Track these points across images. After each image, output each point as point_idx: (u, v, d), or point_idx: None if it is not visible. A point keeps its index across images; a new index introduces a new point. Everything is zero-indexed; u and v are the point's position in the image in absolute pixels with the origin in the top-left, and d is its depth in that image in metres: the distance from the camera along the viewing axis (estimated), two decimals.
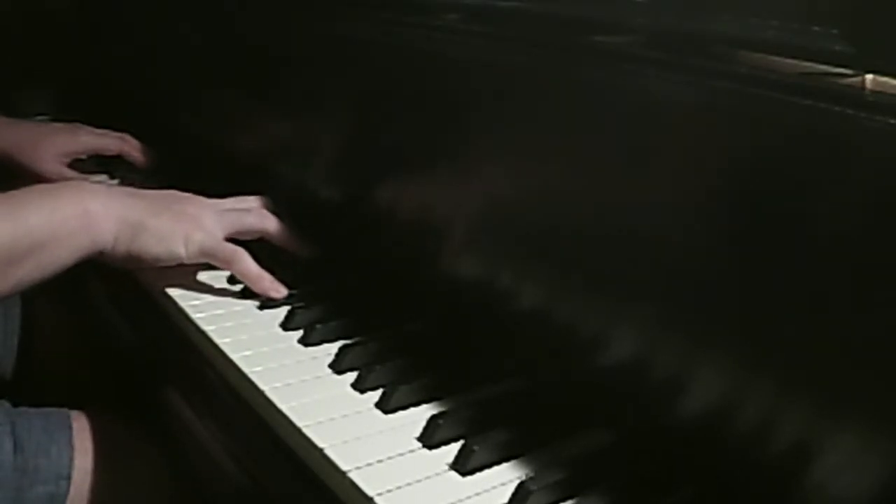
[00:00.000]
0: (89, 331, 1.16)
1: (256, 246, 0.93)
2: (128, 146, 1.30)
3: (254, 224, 0.95)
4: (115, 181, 1.27)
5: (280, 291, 0.89)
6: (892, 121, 0.51)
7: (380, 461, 0.64)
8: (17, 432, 0.84)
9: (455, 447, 0.65)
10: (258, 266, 0.90)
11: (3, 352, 1.13)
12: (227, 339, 0.81)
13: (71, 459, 0.85)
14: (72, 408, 0.90)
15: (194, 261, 0.90)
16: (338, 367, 0.77)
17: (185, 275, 0.93)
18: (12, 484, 0.82)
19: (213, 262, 0.91)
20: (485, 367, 0.77)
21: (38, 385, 1.12)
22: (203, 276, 0.94)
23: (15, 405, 0.90)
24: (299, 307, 0.85)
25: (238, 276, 0.90)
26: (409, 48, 0.87)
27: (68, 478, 0.84)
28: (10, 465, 0.82)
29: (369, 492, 0.61)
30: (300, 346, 0.81)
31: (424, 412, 0.70)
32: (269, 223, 0.96)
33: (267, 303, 0.88)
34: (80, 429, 0.87)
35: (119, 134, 1.32)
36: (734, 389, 0.59)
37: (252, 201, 0.99)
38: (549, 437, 0.68)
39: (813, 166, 0.55)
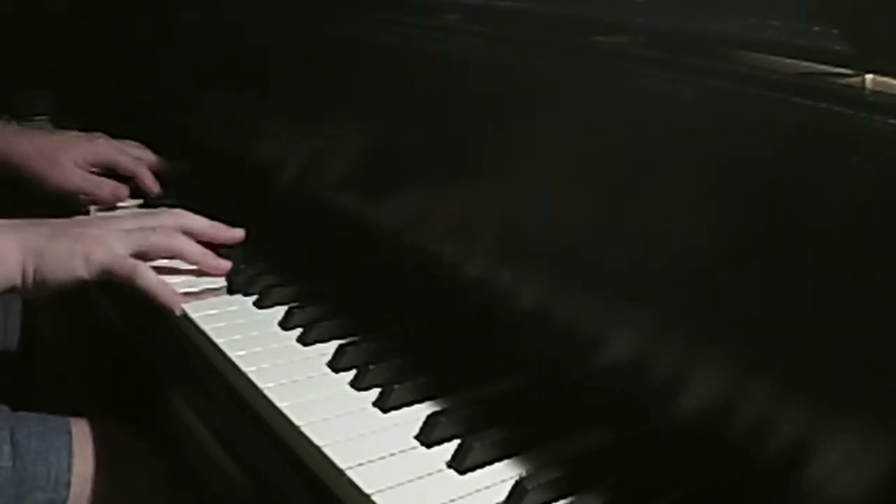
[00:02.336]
0: (89, 335, 1.16)
1: None
2: (142, 170, 1.24)
3: (158, 242, 0.92)
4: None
5: (178, 306, 0.87)
6: (892, 121, 0.51)
7: (378, 459, 0.64)
8: (16, 438, 0.83)
9: (453, 445, 0.65)
10: (159, 278, 0.88)
11: (3, 357, 1.12)
12: (226, 339, 0.81)
13: (70, 466, 0.84)
14: (71, 413, 0.89)
15: (97, 279, 0.88)
16: (336, 365, 0.77)
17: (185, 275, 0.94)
18: (11, 490, 0.81)
19: (115, 279, 0.88)
20: (483, 365, 0.77)
21: (37, 390, 1.12)
22: (203, 276, 0.94)
23: (14, 410, 0.90)
24: (298, 306, 0.85)
25: (140, 291, 0.88)
26: (409, 48, 0.87)
27: (68, 484, 0.83)
28: (8, 472, 0.81)
29: (367, 490, 0.61)
30: (299, 345, 0.81)
31: (422, 410, 0.70)
32: (175, 242, 0.93)
33: (266, 301, 0.88)
34: (80, 435, 0.86)
35: (139, 153, 1.27)
36: (732, 389, 0.59)
37: (164, 217, 0.96)
38: (546, 435, 0.68)
39: (813, 166, 0.55)
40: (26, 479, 0.82)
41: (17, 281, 0.87)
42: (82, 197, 1.18)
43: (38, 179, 1.21)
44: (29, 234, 0.88)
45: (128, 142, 1.29)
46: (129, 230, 0.92)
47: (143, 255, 0.91)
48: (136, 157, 1.25)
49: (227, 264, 0.94)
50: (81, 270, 0.87)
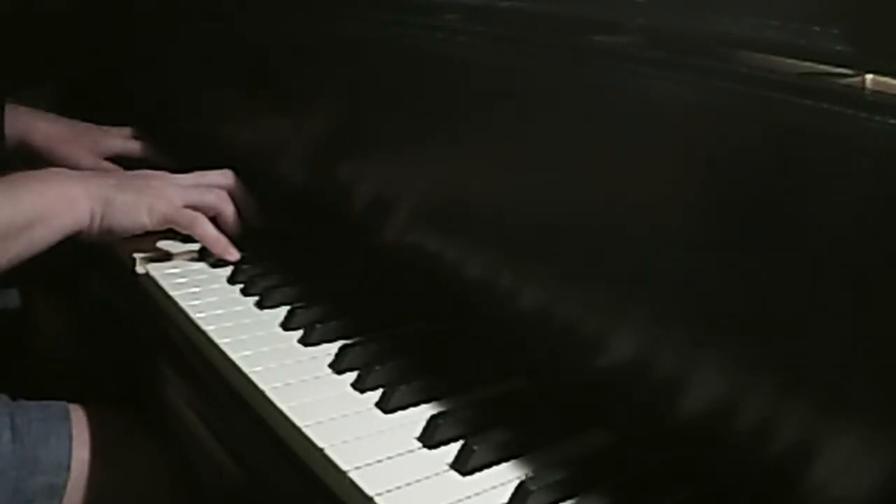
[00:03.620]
0: (88, 327, 1.16)
1: None
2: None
3: (212, 202, 1.02)
4: None
5: (234, 255, 0.97)
6: (892, 121, 0.51)
7: (380, 461, 0.64)
8: (16, 423, 0.84)
9: (455, 447, 0.65)
10: (216, 230, 0.98)
11: (2, 345, 1.13)
12: (228, 339, 0.81)
13: (70, 450, 0.85)
14: (70, 400, 0.91)
15: (158, 227, 0.98)
16: (338, 366, 0.77)
17: (185, 274, 0.94)
18: (11, 474, 0.82)
19: (175, 227, 0.99)
20: (485, 367, 0.77)
21: (37, 379, 1.13)
22: (203, 277, 0.94)
23: (14, 399, 0.90)
24: (299, 307, 0.85)
25: (197, 238, 0.98)
26: (409, 48, 0.87)
27: (67, 468, 0.85)
28: (9, 455, 0.82)
29: (369, 491, 0.61)
30: (300, 346, 0.81)
31: (424, 412, 0.70)
32: (225, 205, 1.02)
33: (267, 302, 0.88)
34: (79, 420, 0.88)
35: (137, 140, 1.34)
36: (734, 390, 0.59)
37: (216, 177, 1.06)
38: (548, 437, 0.68)
39: (813, 166, 0.55)
40: (26, 463, 0.83)
41: (86, 225, 0.96)
42: None
43: (56, 160, 1.25)
44: (98, 184, 0.98)
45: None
46: (187, 186, 1.02)
47: (196, 209, 1.00)
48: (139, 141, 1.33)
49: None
50: (145, 218, 0.98)
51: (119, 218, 0.97)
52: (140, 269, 0.96)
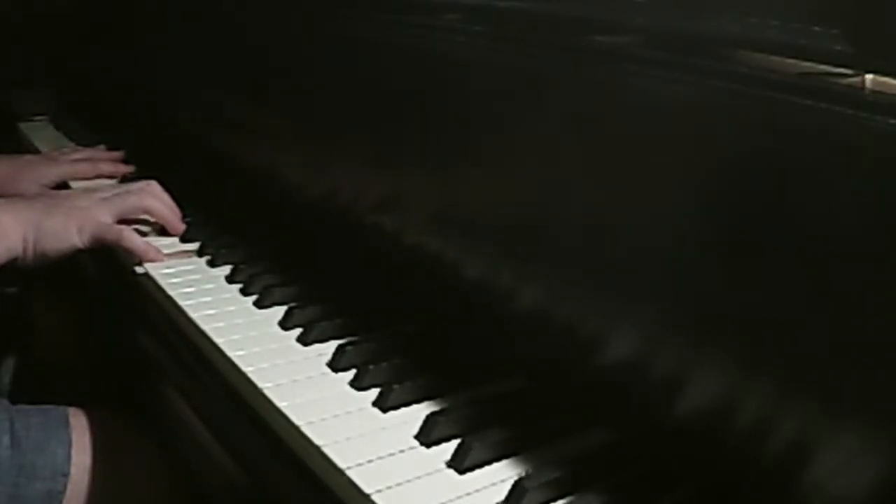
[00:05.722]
0: (88, 330, 1.16)
1: None
2: (99, 167, 1.32)
3: (135, 203, 1.05)
4: None
5: (160, 257, 0.99)
6: (892, 121, 0.51)
7: (378, 459, 0.64)
8: (16, 429, 0.84)
9: (452, 445, 0.65)
10: (142, 239, 1.01)
11: (2, 350, 1.13)
12: (226, 338, 0.81)
13: (69, 456, 0.85)
14: (70, 405, 0.90)
15: (89, 246, 1.01)
16: (336, 365, 0.77)
17: (185, 274, 0.94)
18: (10, 479, 0.82)
19: (106, 244, 1.01)
20: (482, 365, 0.77)
21: (37, 384, 1.13)
22: (202, 276, 0.94)
23: (13, 403, 0.90)
24: (297, 306, 0.85)
25: (127, 252, 1.00)
26: (409, 48, 0.87)
27: (66, 474, 0.84)
28: (7, 461, 0.82)
29: (367, 489, 0.61)
30: (298, 345, 0.81)
31: (422, 410, 0.70)
32: (147, 201, 1.06)
33: (265, 301, 0.88)
34: (79, 426, 0.88)
35: (88, 155, 1.36)
36: (731, 389, 0.59)
37: (136, 185, 1.09)
38: (545, 435, 0.68)
39: (813, 166, 0.55)
40: (25, 469, 0.83)
41: (19, 252, 0.98)
42: None
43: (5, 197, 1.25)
44: (27, 211, 1.00)
45: (82, 150, 1.38)
46: (108, 198, 1.05)
47: (124, 218, 1.04)
48: (90, 161, 1.34)
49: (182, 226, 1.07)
50: (75, 239, 1.00)
51: (51, 241, 0.99)
52: (139, 269, 0.96)
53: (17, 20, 1.65)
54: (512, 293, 0.77)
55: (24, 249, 0.98)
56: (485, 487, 0.62)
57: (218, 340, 0.80)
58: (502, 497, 0.61)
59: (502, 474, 0.64)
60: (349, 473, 0.62)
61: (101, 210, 1.03)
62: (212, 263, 0.98)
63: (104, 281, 1.05)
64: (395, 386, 0.71)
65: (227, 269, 0.96)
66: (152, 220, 1.07)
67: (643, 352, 0.65)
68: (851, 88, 0.56)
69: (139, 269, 0.97)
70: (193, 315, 0.85)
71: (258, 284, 0.91)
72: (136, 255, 0.99)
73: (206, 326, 0.83)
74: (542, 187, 0.74)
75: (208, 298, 0.89)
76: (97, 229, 1.01)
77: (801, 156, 0.56)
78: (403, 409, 0.71)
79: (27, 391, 1.10)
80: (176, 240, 1.05)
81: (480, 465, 0.64)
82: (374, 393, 0.72)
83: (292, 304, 0.86)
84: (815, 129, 0.55)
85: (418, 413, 0.69)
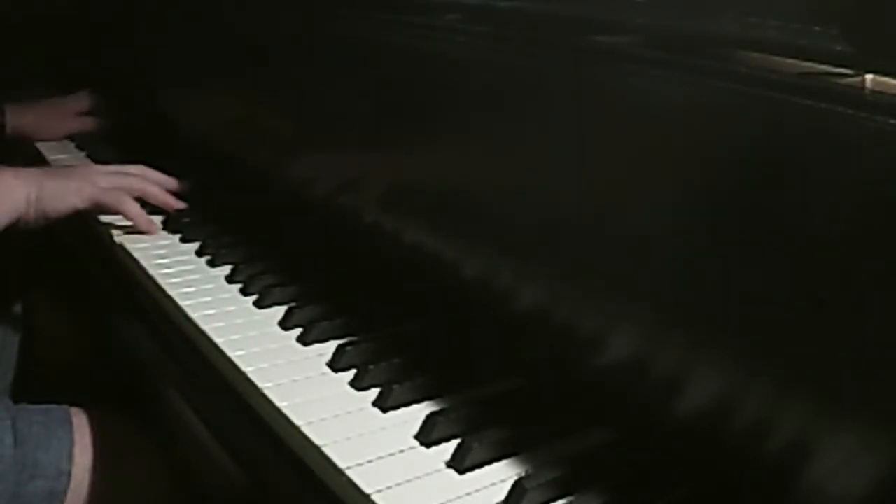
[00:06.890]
0: (89, 329, 1.16)
1: None
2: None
3: (134, 184, 1.10)
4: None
5: (153, 229, 1.05)
6: (892, 121, 0.51)
7: (378, 459, 0.64)
8: (18, 427, 0.84)
9: (452, 445, 0.65)
10: (139, 207, 1.06)
11: (3, 349, 1.13)
12: (226, 338, 0.81)
13: (71, 455, 0.85)
14: (71, 404, 0.90)
15: (88, 208, 1.06)
16: (336, 365, 0.77)
17: (184, 274, 0.94)
18: (12, 478, 0.82)
19: (103, 208, 1.06)
20: (482, 365, 0.77)
21: (38, 383, 1.13)
22: (201, 276, 0.94)
23: (15, 402, 0.90)
24: (297, 306, 0.85)
25: (124, 216, 1.06)
26: (410, 48, 0.87)
27: (68, 473, 0.84)
28: (10, 459, 0.82)
29: (367, 489, 0.61)
30: (298, 345, 0.81)
31: (422, 410, 0.70)
32: (145, 185, 1.11)
33: (265, 301, 0.88)
34: (80, 425, 0.88)
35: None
36: (731, 388, 0.59)
37: (132, 167, 1.14)
38: (545, 435, 0.68)
39: (813, 166, 0.55)
40: (27, 467, 0.83)
41: (23, 210, 1.03)
42: None
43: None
44: (28, 173, 1.07)
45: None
46: (110, 172, 1.11)
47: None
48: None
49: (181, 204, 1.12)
50: (75, 200, 1.05)
51: (51, 201, 1.04)
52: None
53: (17, 20, 1.65)
54: (512, 293, 0.77)
55: (27, 207, 1.03)
56: (485, 487, 0.62)
57: (218, 340, 0.80)
58: (502, 497, 0.61)
59: (502, 474, 0.63)
60: (349, 473, 0.62)
61: (101, 178, 1.08)
62: (212, 263, 0.98)
63: (104, 281, 1.05)
64: (395, 386, 0.71)
65: (227, 269, 0.96)
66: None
67: (643, 352, 0.65)
68: (851, 88, 0.56)
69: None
70: (194, 315, 0.85)
71: (258, 284, 0.91)
72: (133, 220, 1.05)
73: (205, 326, 0.83)
74: (542, 187, 0.74)
75: (208, 298, 0.89)
76: (96, 193, 1.06)
77: (802, 156, 0.56)
78: (403, 409, 0.71)
79: (29, 391, 1.10)
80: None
81: (480, 465, 0.64)
82: (374, 393, 0.72)
83: (292, 304, 0.86)
84: (815, 129, 0.55)
85: (418, 413, 0.69)
